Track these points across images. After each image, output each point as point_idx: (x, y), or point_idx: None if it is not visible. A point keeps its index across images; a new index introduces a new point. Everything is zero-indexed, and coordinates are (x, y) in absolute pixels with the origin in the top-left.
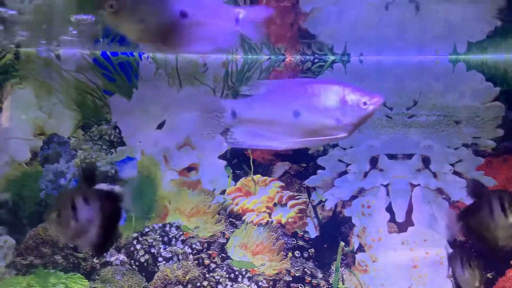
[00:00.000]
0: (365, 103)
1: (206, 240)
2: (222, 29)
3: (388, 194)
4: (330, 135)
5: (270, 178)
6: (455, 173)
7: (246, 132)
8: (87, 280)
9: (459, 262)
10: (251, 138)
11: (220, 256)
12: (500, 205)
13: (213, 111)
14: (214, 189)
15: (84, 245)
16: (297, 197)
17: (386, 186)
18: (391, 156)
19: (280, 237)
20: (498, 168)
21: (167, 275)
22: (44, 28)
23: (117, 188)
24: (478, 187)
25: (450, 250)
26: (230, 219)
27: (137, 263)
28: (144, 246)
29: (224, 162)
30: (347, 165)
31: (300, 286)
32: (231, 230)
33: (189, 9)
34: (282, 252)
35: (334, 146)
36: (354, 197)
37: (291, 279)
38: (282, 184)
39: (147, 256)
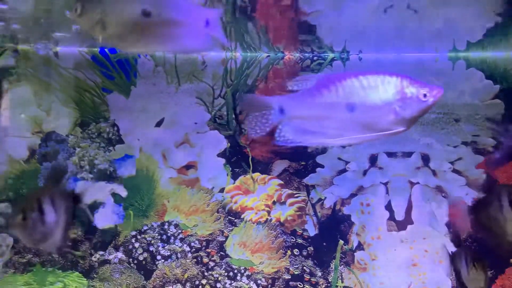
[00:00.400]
0: (425, 95)
1: (204, 238)
2: (191, 31)
3: (387, 192)
4: (387, 129)
5: (269, 176)
6: (455, 171)
7: (296, 129)
8: (85, 279)
9: (463, 262)
10: (301, 135)
11: (219, 255)
12: (509, 200)
13: (260, 110)
14: (213, 187)
15: (48, 249)
16: (296, 195)
17: (385, 184)
18: (391, 154)
19: (279, 235)
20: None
21: (165, 273)
22: (42, 25)
23: (77, 189)
24: (488, 181)
25: (451, 249)
26: (229, 217)
27: (135, 261)
28: (142, 244)
29: (223, 160)
30: (346, 163)
31: (299, 284)
32: (230, 228)
33: (152, 9)
34: (281, 250)
35: None
36: (353, 195)
37: (290, 277)
38: (281, 182)
39: (145, 254)
